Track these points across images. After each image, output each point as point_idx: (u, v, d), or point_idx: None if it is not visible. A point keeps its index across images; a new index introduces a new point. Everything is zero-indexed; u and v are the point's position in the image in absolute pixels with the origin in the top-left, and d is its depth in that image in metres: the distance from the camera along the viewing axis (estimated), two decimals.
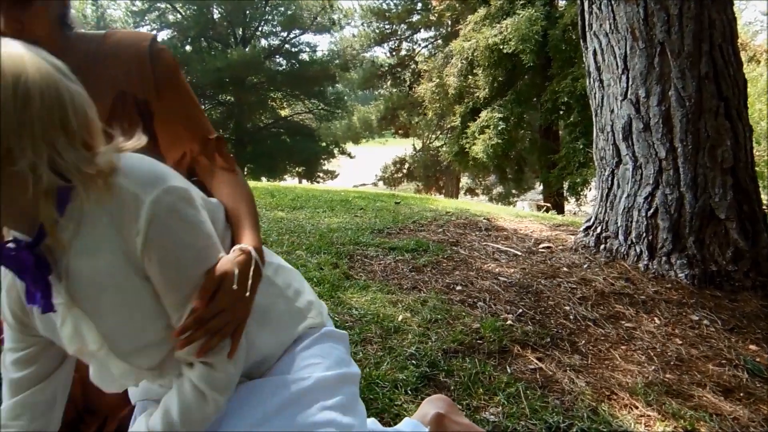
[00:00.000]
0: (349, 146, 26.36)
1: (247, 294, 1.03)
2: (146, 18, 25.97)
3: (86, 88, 0.96)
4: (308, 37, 27.82)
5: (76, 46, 1.26)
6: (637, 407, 1.94)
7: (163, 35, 25.62)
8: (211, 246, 0.99)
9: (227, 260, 1.00)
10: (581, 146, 11.64)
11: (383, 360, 2.12)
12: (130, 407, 1.34)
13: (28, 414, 1.08)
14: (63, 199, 0.89)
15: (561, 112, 13.37)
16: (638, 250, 3.23)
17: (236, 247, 1.06)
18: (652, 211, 3.18)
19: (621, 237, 3.34)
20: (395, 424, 1.74)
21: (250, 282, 1.03)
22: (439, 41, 20.66)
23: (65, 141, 0.86)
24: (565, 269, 3.24)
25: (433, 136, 20.37)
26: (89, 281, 0.94)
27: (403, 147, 22.91)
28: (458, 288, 2.93)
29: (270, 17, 27.36)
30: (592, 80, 3.61)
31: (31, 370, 1.08)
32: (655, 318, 2.67)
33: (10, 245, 0.91)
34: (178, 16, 26.21)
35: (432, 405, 1.60)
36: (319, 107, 27.89)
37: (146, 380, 1.08)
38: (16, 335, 1.06)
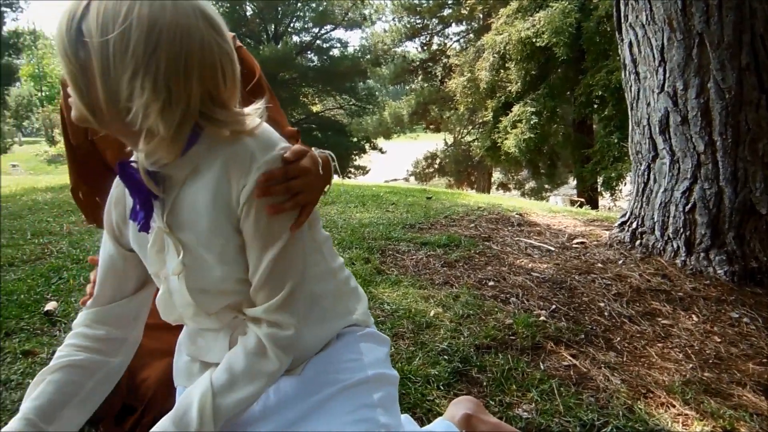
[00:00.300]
0: (380, 141, 26.35)
1: (325, 189, 1.13)
2: None
3: None
4: (339, 33, 28.12)
5: None
6: (674, 406, 1.91)
7: None
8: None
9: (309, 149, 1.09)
10: (616, 140, 11.45)
11: (415, 355, 2.12)
12: (171, 399, 1.37)
13: (112, 322, 1.17)
14: (191, 141, 0.99)
15: (595, 106, 13.15)
16: (675, 245, 3.17)
17: (317, 150, 1.13)
18: (689, 206, 3.12)
19: (657, 232, 3.28)
20: (427, 419, 1.74)
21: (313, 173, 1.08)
22: (471, 35, 20.50)
23: (203, 89, 0.95)
24: (599, 265, 3.19)
25: (465, 130, 20.26)
26: (188, 217, 1.03)
27: (435, 142, 22.83)
28: (491, 283, 2.92)
29: (302, 13, 27.50)
30: (627, 73, 3.54)
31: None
32: (693, 315, 2.62)
33: (134, 165, 1.01)
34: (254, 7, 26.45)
35: (459, 406, 1.59)
36: (351, 103, 27.95)
37: (195, 322, 1.12)
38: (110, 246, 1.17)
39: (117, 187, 1.16)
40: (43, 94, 47.46)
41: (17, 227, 4.08)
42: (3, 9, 33.27)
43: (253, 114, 1.03)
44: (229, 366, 1.03)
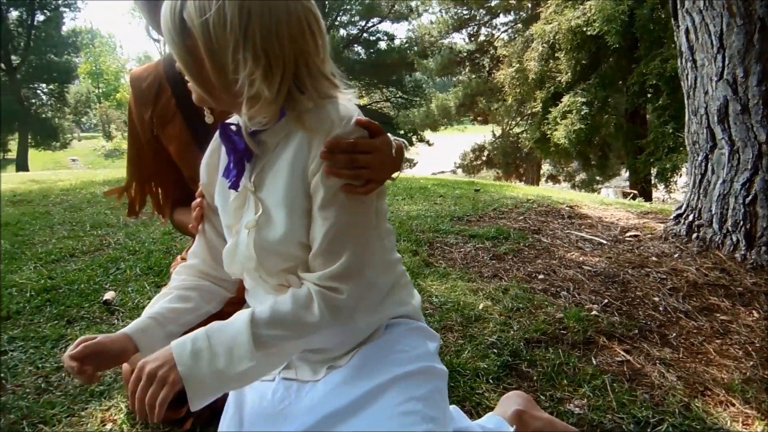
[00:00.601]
0: (428, 134, 26.24)
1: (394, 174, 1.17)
2: None
3: None
4: (386, 26, 28.09)
5: None
6: (733, 404, 1.85)
7: None
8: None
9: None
10: (671, 130, 11.08)
11: (464, 348, 2.11)
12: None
13: (219, 262, 1.24)
14: (284, 109, 1.09)
15: (649, 95, 12.75)
16: (735, 239, 3.06)
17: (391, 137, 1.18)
18: (750, 197, 3.00)
19: (716, 225, 3.17)
20: (476, 412, 1.73)
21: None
22: (519, 25, 20.17)
23: (296, 50, 1.06)
24: (654, 259, 3.11)
25: (513, 122, 19.98)
26: (271, 178, 1.12)
27: (482, 134, 22.60)
28: (540, 277, 2.88)
29: (348, 7, 27.58)
30: (684, 60, 3.43)
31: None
32: (754, 311, 2.53)
33: (233, 128, 1.14)
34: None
35: (510, 402, 1.57)
36: (397, 95, 27.92)
37: (253, 279, 1.19)
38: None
39: (214, 142, 1.30)
40: (100, 90, 49.01)
41: (77, 219, 4.23)
42: (62, 9, 34.46)
43: (341, 85, 1.13)
44: (273, 306, 1.08)
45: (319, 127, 1.07)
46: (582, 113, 12.73)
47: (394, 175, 1.19)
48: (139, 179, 1.86)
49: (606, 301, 2.59)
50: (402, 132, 25.87)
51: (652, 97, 12.51)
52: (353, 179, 1.07)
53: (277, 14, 1.04)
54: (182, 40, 1.04)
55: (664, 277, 2.84)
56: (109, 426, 1.60)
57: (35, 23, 33.47)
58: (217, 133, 1.22)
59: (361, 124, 1.07)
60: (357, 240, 1.10)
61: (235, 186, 1.16)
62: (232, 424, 1.15)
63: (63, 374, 1.90)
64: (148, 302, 2.38)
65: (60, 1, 34.36)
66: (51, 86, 35.94)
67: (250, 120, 1.07)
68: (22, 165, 30.67)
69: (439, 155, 26.87)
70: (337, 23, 27.76)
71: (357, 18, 27.58)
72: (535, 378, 1.94)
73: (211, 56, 1.03)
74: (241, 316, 1.07)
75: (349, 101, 1.12)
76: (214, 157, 1.29)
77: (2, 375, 1.89)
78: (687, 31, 3.31)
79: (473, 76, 21.30)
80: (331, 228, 1.07)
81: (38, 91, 36.85)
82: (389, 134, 1.17)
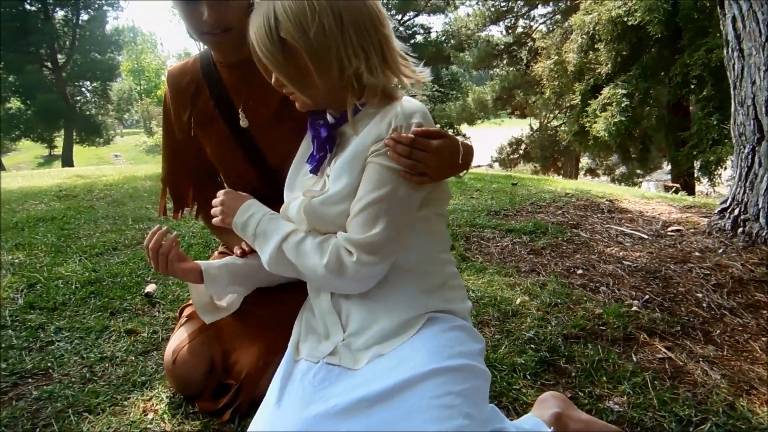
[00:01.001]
0: (464, 128, 26.06)
1: (457, 174, 1.31)
2: None
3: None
4: (422, 19, 27.74)
5: None
6: None
7: None
8: None
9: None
10: (715, 122, 10.77)
11: (501, 343, 2.10)
12: (264, 380, 1.43)
13: None
14: (361, 103, 1.25)
15: (692, 86, 12.41)
16: None
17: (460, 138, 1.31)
18: None
19: (762, 220, 3.07)
20: (513, 408, 1.72)
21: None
22: (558, 16, 19.86)
23: (377, 40, 1.20)
24: (697, 254, 3.03)
25: (551, 115, 19.68)
26: (342, 161, 1.24)
27: (520, 127, 22.33)
28: (579, 272, 2.83)
29: (385, 1, 27.52)
30: (730, 50, 3.32)
31: None
32: None
33: (320, 122, 1.29)
34: None
35: (547, 404, 1.55)
36: (434, 89, 27.74)
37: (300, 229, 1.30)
38: None
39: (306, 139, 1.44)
40: (142, 87, 50.05)
41: (120, 213, 4.33)
42: (105, 8, 35.24)
43: (412, 77, 1.28)
44: (304, 238, 1.26)
45: (386, 116, 1.21)
46: (623, 105, 12.46)
47: (461, 173, 1.33)
48: (175, 178, 1.87)
49: (647, 296, 2.53)
50: (438, 126, 25.71)
51: (696, 88, 12.16)
52: (408, 168, 1.17)
53: (359, 9, 1.17)
54: (286, 57, 1.16)
55: (708, 272, 2.77)
56: (150, 415, 1.63)
57: (80, 23, 34.31)
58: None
59: (416, 132, 1.17)
60: (393, 216, 1.18)
61: (315, 170, 1.30)
62: (270, 402, 1.18)
63: (107, 365, 1.95)
64: (188, 295, 2.44)
65: (103, 1, 35.16)
66: (95, 84, 36.85)
67: (359, 107, 1.24)
68: (67, 161, 31.54)
69: (475, 149, 26.45)
70: None
71: (393, 12, 27.50)
72: (573, 374, 1.92)
73: (317, 64, 1.16)
74: (282, 228, 1.29)
75: (415, 100, 1.28)
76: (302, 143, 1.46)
77: (49, 364, 1.95)
78: (734, 20, 3.21)
79: (510, 69, 21.07)
80: (371, 201, 1.17)
81: (82, 89, 37.85)
82: (458, 137, 1.28)
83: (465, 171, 1.32)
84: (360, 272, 1.18)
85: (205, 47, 1.67)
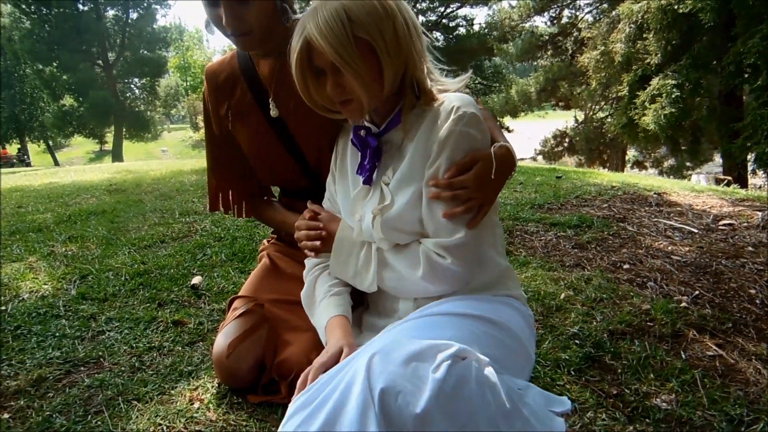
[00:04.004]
0: (507, 120, 25.71)
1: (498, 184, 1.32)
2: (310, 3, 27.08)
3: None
4: (465, 11, 27.43)
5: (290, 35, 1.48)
6: None
7: None
8: None
9: (487, 150, 1.29)
10: None
11: (545, 338, 2.07)
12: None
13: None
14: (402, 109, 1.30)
15: (746, 75, 11.96)
16: None
17: (496, 144, 1.33)
18: None
19: None
20: None
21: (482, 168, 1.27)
22: (605, 5, 19.37)
23: (422, 62, 1.29)
24: (750, 249, 2.93)
25: (597, 107, 19.29)
26: (397, 170, 1.29)
27: (564, 120, 21.93)
28: (626, 266, 2.77)
29: None
30: None
31: None
32: None
33: (362, 132, 1.33)
34: None
35: None
36: (477, 81, 27.48)
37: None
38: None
39: (342, 141, 1.50)
40: (188, 84, 50.94)
41: (167, 207, 4.43)
42: (154, 6, 36.04)
43: (448, 83, 1.34)
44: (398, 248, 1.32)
45: (440, 113, 1.25)
46: (673, 96, 12.11)
47: (511, 175, 1.39)
48: (220, 175, 1.89)
49: (697, 292, 2.46)
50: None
51: (750, 77, 11.71)
52: (463, 211, 1.24)
53: (411, 14, 1.24)
54: (360, 56, 1.17)
55: (762, 268, 2.68)
56: (196, 405, 1.67)
57: (129, 21, 35.18)
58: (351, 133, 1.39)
59: (451, 175, 1.24)
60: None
61: (368, 181, 1.33)
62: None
63: (155, 354, 2.01)
64: (233, 287, 2.49)
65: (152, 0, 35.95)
66: (143, 80, 37.74)
67: (397, 111, 1.29)
68: (117, 156, 32.48)
69: (518, 142, 26.15)
70: (415, 9, 27.59)
71: (436, 4, 27.28)
72: (619, 371, 1.88)
73: (390, 63, 1.20)
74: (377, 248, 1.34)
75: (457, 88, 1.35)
76: (345, 153, 1.49)
77: (101, 353, 2.01)
78: None
79: (555, 60, 20.69)
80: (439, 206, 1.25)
81: (132, 86, 38.81)
82: (492, 148, 1.30)
83: (513, 173, 1.38)
84: (460, 272, 1.25)
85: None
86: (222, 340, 1.67)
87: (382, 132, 1.32)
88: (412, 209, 1.26)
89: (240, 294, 1.82)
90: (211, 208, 1.94)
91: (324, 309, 1.42)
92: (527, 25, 21.57)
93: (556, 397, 1.33)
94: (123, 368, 1.90)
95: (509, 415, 0.99)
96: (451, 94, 1.29)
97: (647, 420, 1.61)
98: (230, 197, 1.90)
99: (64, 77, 32.89)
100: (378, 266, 1.33)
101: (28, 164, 30.91)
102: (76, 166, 14.37)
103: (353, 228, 1.40)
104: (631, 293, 2.45)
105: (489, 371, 1.00)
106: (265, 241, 2.04)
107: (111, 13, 35.21)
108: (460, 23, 27.42)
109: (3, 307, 2.42)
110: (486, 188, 1.27)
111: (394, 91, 1.27)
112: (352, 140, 1.37)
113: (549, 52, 21.27)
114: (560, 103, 22.22)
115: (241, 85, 1.71)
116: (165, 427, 1.56)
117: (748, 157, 12.19)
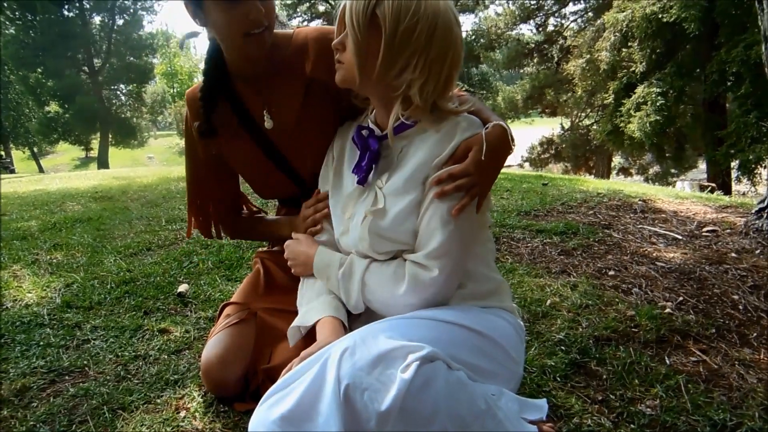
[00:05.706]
0: None
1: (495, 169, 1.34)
2: (298, 10, 27.11)
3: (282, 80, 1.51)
4: None
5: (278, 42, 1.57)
6: None
7: (313, 26, 26.62)
8: None
9: (479, 134, 1.29)
10: (754, 120, 10.49)
11: (531, 345, 2.08)
12: None
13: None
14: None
15: (729, 83, 12.12)
16: None
17: (490, 124, 1.33)
18: None
19: None
20: None
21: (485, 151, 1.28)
22: (590, 14, 19.58)
23: (448, 73, 1.28)
24: (733, 255, 2.97)
25: (583, 114, 19.44)
26: (394, 176, 1.29)
27: (551, 127, 22.09)
28: (611, 273, 2.80)
29: None
30: None
31: None
32: None
33: (365, 132, 1.35)
34: (328, 6, 27.08)
35: None
36: (464, 89, 27.50)
37: (361, 256, 1.35)
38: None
39: (340, 140, 1.51)
40: (175, 90, 50.76)
41: (153, 214, 4.41)
42: (140, 13, 35.87)
43: (459, 99, 1.35)
44: (379, 266, 1.31)
45: (447, 131, 1.27)
46: (657, 104, 12.25)
47: (509, 154, 1.38)
48: (202, 198, 1.88)
49: (681, 298, 2.49)
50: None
51: (733, 85, 11.88)
52: (465, 201, 1.24)
53: (452, 41, 1.23)
54: (366, 28, 1.18)
55: (745, 274, 2.71)
56: (182, 413, 1.66)
57: (116, 27, 34.99)
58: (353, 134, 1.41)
59: (442, 179, 1.24)
60: (459, 233, 1.25)
61: (363, 181, 1.34)
62: None
63: (140, 363, 1.99)
64: (220, 295, 2.48)
65: (138, 6, 35.79)
66: (130, 87, 37.49)
67: (397, 116, 1.28)
68: (103, 162, 32.21)
69: None
70: None
71: None
72: (604, 377, 1.89)
73: (388, 53, 1.19)
74: (358, 269, 1.32)
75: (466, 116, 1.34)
76: (341, 152, 1.50)
77: (85, 362, 2.00)
78: None
79: (541, 68, 20.86)
80: (434, 216, 1.24)
81: (118, 92, 38.54)
82: (481, 132, 1.30)
83: (511, 150, 1.36)
84: (443, 282, 1.25)
85: (207, 67, 1.66)
86: (212, 351, 1.66)
87: (384, 136, 1.33)
88: (404, 220, 1.26)
89: (232, 300, 1.81)
90: (189, 233, 1.94)
91: (321, 305, 1.41)
92: (513, 33, 21.74)
93: (531, 402, 1.35)
94: (108, 377, 1.89)
95: (481, 415, 1.02)
96: (462, 117, 1.31)
97: (632, 425, 1.63)
98: (214, 218, 1.90)
99: (50, 83, 32.61)
100: (361, 289, 1.32)
101: (12, 171, 30.60)
102: (61, 173, 14.27)
103: (339, 228, 1.41)
104: (617, 299, 2.47)
105: (460, 374, 1.03)
106: (260, 249, 2.04)
107: (97, 19, 34.97)
108: None
109: None
110: (485, 172, 1.28)
111: (387, 89, 1.27)
112: (353, 138, 1.38)
113: (535, 60, 21.45)
114: (547, 110, 22.38)
115: (222, 104, 1.67)
116: None
117: (732, 164, 12.33)
